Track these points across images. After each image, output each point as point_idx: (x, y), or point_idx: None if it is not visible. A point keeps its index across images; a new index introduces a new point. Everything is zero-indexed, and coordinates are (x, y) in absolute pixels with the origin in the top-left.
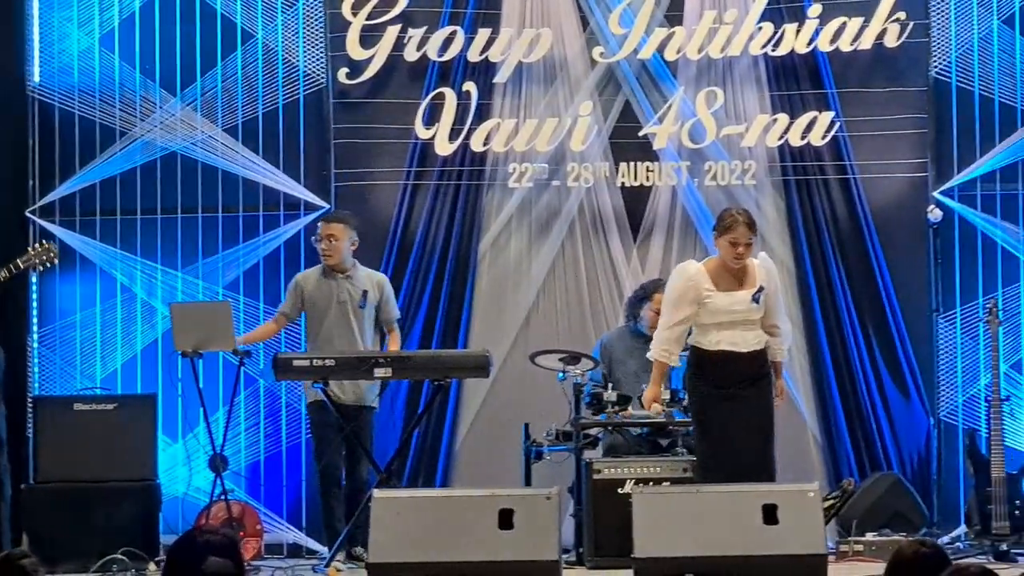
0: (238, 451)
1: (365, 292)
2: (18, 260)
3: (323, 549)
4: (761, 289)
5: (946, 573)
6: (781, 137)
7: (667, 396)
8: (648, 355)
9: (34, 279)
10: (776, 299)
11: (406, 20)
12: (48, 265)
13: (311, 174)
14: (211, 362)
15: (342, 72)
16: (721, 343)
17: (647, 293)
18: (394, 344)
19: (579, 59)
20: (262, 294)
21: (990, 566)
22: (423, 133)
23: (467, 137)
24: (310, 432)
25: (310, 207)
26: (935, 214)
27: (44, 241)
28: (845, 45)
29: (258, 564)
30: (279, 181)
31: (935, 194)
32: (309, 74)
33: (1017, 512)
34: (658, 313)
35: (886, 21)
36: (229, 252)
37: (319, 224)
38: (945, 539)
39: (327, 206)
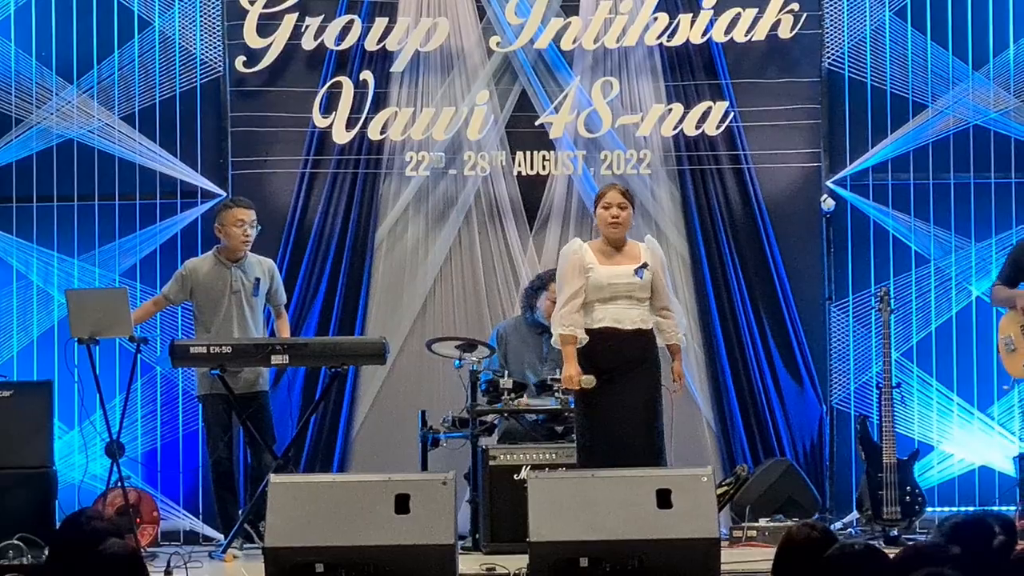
0: (135, 438)
1: (258, 280)
2: None
3: (220, 536)
4: (645, 265)
5: (832, 550)
6: (676, 127)
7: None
8: (552, 342)
9: None
10: (663, 280)
11: (303, 9)
12: None
13: (208, 162)
14: (108, 349)
15: (239, 60)
16: (604, 319)
17: (543, 283)
18: (283, 327)
19: (476, 49)
20: (159, 281)
21: None
22: (320, 122)
23: (364, 126)
24: (203, 421)
25: (207, 195)
26: (828, 204)
27: None
28: (739, 35)
29: (154, 551)
30: (176, 169)
31: (828, 184)
32: (206, 62)
33: (907, 498)
34: (554, 303)
35: (780, 12)
36: (126, 240)
37: (236, 208)
38: (837, 525)
39: (224, 194)
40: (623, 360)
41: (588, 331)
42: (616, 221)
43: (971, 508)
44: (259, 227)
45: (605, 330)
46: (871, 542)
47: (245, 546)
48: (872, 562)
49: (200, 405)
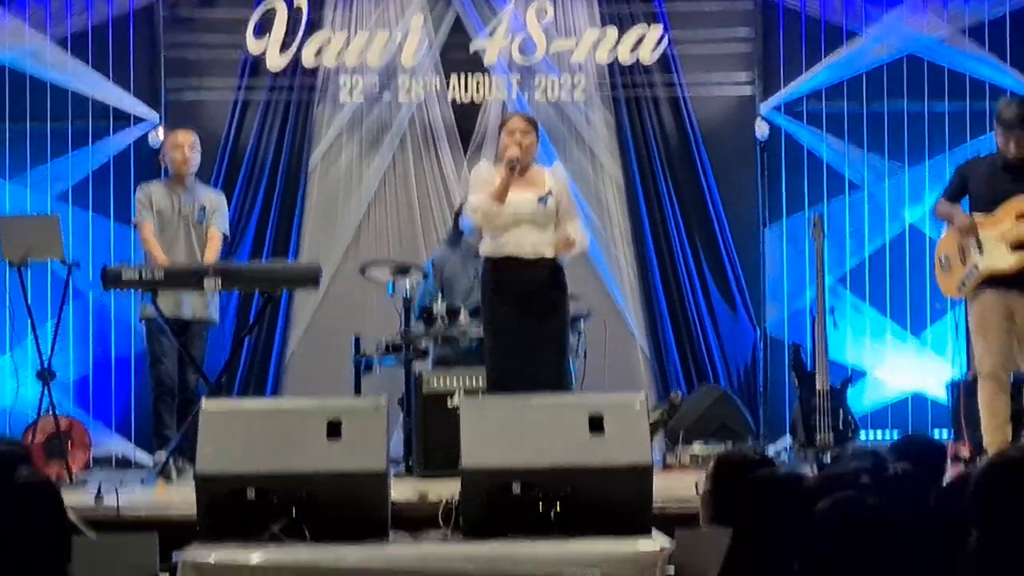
0: (66, 363)
1: (203, 206)
2: None
3: (151, 460)
4: (549, 193)
5: (759, 473)
6: (611, 53)
7: None
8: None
9: None
10: (569, 206)
11: None
12: None
13: (141, 87)
14: (39, 275)
15: None
16: (507, 246)
17: (462, 203)
18: (211, 251)
19: None
20: (91, 205)
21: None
22: (254, 47)
23: (298, 51)
24: (145, 342)
25: (140, 120)
26: (762, 130)
27: None
28: None
29: (86, 476)
30: (109, 94)
31: (762, 110)
32: None
33: (840, 424)
34: None
35: None
36: (58, 163)
37: (173, 133)
38: (770, 450)
39: (156, 118)
40: (529, 287)
41: (493, 260)
42: (520, 148)
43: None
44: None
45: (508, 258)
46: (805, 469)
47: (179, 472)
48: (794, 486)
49: (145, 326)
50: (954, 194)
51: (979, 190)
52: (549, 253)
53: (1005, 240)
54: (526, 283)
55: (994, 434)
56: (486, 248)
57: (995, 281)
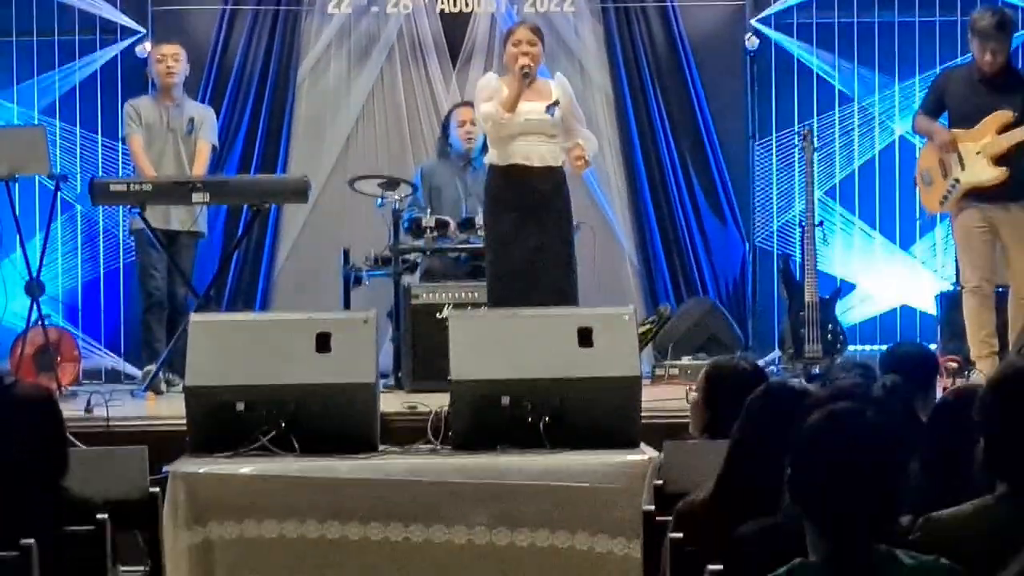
0: (55, 277)
1: (192, 119)
2: None
3: (140, 374)
4: (556, 103)
5: (767, 385)
6: None
7: None
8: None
9: None
10: (574, 116)
11: None
12: None
13: None
14: (27, 188)
15: None
16: (514, 156)
17: (449, 112)
18: (200, 161)
19: None
20: (79, 119)
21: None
22: None
23: None
24: (135, 254)
25: (127, 32)
26: (752, 42)
27: None
28: None
29: (75, 389)
30: (95, 5)
31: (752, 22)
32: None
33: (829, 336)
34: (463, 124)
35: None
36: (44, 77)
37: (157, 46)
38: (760, 362)
39: (143, 31)
40: (534, 198)
41: (499, 168)
42: (528, 58)
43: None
44: (188, 65)
45: (515, 166)
46: (794, 381)
47: (168, 385)
48: (801, 401)
49: (132, 237)
50: (932, 108)
51: (957, 104)
52: (556, 163)
53: (986, 154)
54: (531, 192)
55: (980, 346)
56: (492, 157)
57: (977, 195)
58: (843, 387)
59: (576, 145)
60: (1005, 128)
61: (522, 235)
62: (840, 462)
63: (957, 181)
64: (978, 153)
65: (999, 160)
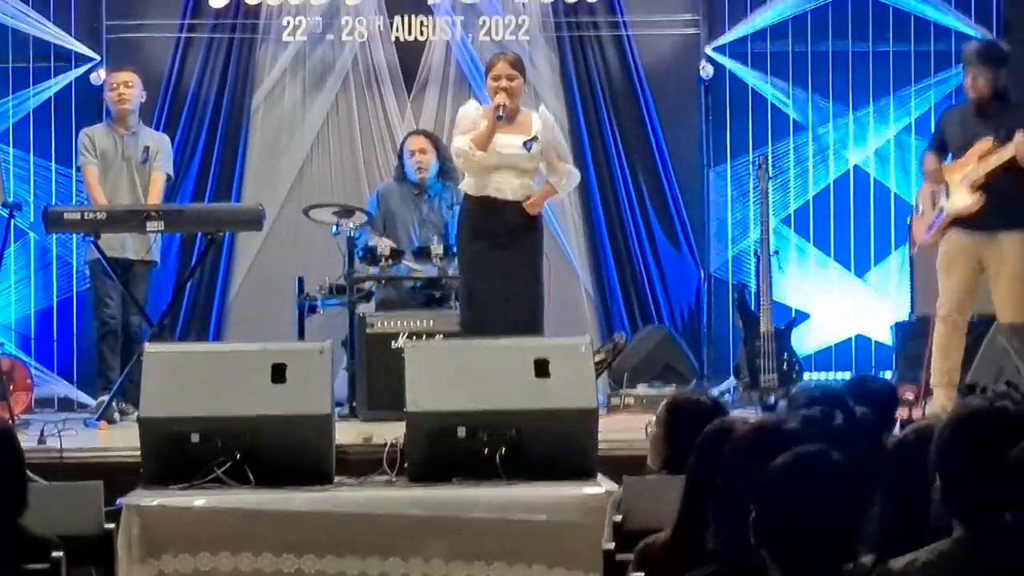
0: (8, 305)
1: (147, 148)
2: None
3: (93, 402)
4: (535, 138)
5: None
6: None
7: (441, 251)
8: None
9: None
10: (556, 149)
11: None
12: None
13: (82, 25)
14: None
15: None
16: (488, 188)
17: (403, 140)
18: (154, 190)
19: None
20: (32, 146)
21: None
22: None
23: None
24: (89, 283)
25: (81, 59)
26: (707, 71)
27: None
28: None
29: (28, 418)
30: (49, 32)
31: (707, 51)
32: None
33: (785, 366)
34: (413, 153)
35: None
36: None
37: (110, 74)
38: (714, 392)
39: (98, 58)
40: (505, 228)
41: (473, 199)
42: (507, 93)
43: (848, 375)
44: (143, 93)
45: (487, 198)
46: (750, 411)
47: (122, 415)
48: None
49: (89, 268)
50: (937, 146)
51: (954, 137)
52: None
53: (967, 181)
54: (502, 222)
55: (941, 375)
56: (468, 186)
57: (962, 223)
58: (808, 419)
59: (538, 191)
60: (987, 156)
61: (493, 264)
62: (804, 506)
63: (942, 210)
64: (960, 181)
65: (981, 187)
